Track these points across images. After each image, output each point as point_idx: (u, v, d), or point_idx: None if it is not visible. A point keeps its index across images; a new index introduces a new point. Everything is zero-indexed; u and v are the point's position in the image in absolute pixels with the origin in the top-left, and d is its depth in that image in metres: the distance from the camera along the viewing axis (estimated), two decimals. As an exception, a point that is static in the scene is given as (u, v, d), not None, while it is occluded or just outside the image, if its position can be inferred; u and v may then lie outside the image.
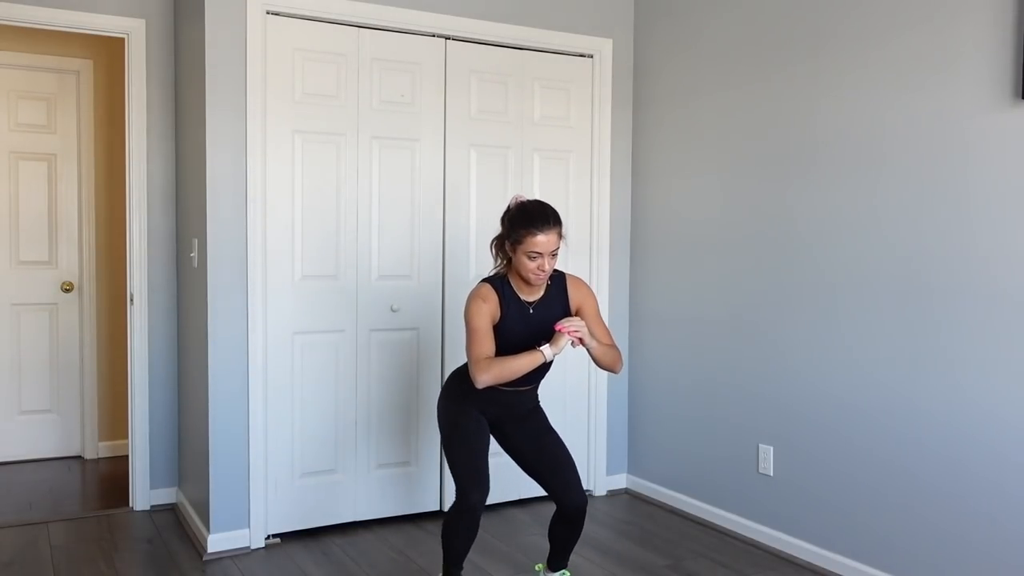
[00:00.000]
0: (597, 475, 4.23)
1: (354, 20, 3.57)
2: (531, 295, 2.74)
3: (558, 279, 2.82)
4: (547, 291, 2.77)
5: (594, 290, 4.16)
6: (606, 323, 3.04)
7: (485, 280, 2.74)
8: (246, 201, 3.40)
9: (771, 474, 3.53)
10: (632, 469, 4.31)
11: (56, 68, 4.73)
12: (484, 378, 2.58)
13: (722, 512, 3.77)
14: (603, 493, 4.24)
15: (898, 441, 3.03)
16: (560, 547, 2.90)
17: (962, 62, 2.81)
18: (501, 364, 2.59)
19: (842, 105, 3.21)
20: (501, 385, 2.69)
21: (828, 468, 3.29)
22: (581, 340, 2.63)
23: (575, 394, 4.17)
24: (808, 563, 3.35)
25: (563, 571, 3.00)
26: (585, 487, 3.73)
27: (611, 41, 4.16)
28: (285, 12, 3.44)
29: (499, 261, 2.77)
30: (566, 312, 2.79)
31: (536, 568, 3.09)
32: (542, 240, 2.58)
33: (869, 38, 3.11)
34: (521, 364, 2.60)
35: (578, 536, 2.86)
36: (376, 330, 3.71)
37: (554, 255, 2.63)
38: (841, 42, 3.21)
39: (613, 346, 2.80)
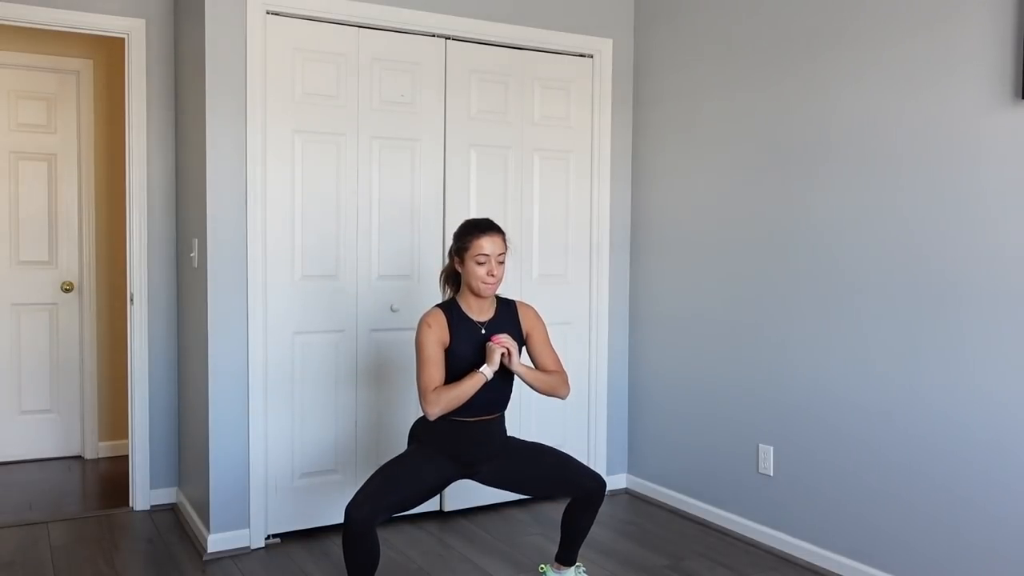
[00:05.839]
0: (597, 475, 4.23)
1: (354, 20, 3.57)
2: (482, 314, 2.80)
3: (509, 304, 2.90)
4: (498, 313, 2.84)
5: (593, 290, 4.18)
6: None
7: (436, 305, 2.81)
8: (246, 201, 3.40)
9: (771, 474, 3.53)
10: (632, 469, 4.31)
11: (56, 68, 4.73)
12: (434, 410, 2.65)
13: (722, 512, 3.77)
14: (603, 493, 4.24)
15: (898, 441, 3.03)
16: (575, 535, 2.94)
17: (962, 62, 2.81)
18: (448, 393, 2.66)
19: (842, 105, 3.21)
20: (465, 417, 2.74)
21: (828, 468, 3.29)
22: (509, 354, 2.71)
23: (575, 394, 4.17)
24: (808, 563, 3.35)
25: (578, 565, 3.03)
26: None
27: (611, 41, 4.16)
28: (285, 12, 3.44)
29: (447, 293, 2.89)
30: (519, 335, 2.86)
31: (540, 569, 3.09)
32: (487, 242, 2.71)
33: (869, 38, 3.11)
34: (465, 388, 2.67)
35: (594, 517, 2.91)
36: (376, 330, 3.71)
37: (501, 262, 2.74)
38: (841, 43, 3.21)
39: (559, 372, 2.88)
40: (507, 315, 2.86)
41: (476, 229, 2.74)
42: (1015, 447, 2.69)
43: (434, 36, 3.76)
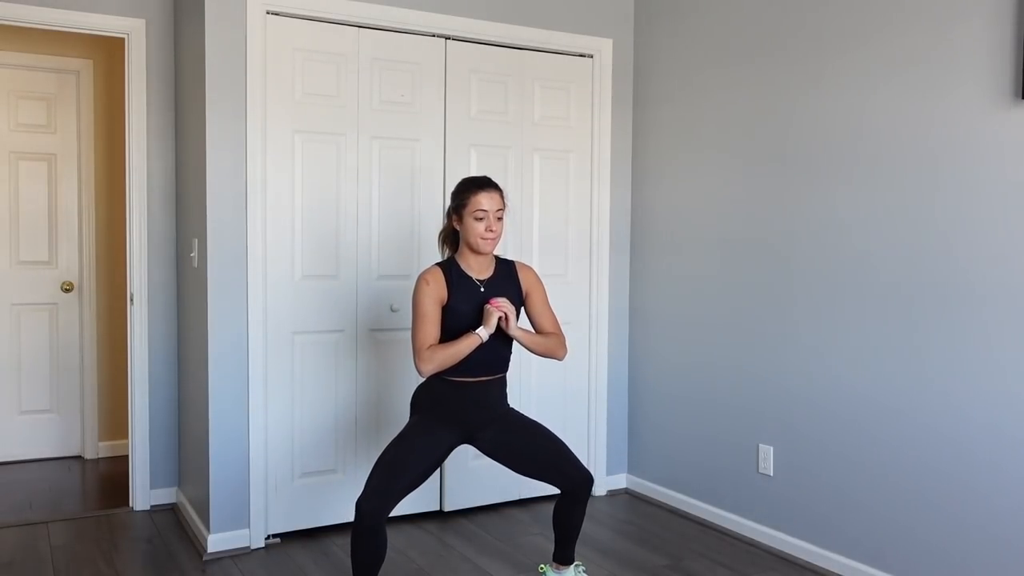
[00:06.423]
0: (597, 475, 4.22)
1: (354, 20, 3.57)
2: (481, 273, 2.81)
3: (508, 264, 2.90)
4: (497, 273, 2.84)
5: (593, 290, 4.18)
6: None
7: (435, 263, 2.81)
8: (246, 201, 3.40)
9: (771, 474, 3.53)
10: (632, 469, 4.31)
11: (56, 68, 4.73)
12: (427, 368, 2.67)
13: (722, 512, 3.77)
14: (603, 493, 4.24)
15: (898, 441, 3.03)
16: (567, 532, 2.93)
17: (962, 63, 2.81)
18: (442, 351, 2.67)
19: (842, 105, 3.21)
20: (464, 377, 2.74)
21: (828, 468, 3.29)
22: (507, 318, 2.71)
23: (575, 394, 4.17)
24: (808, 563, 3.35)
25: (577, 564, 3.02)
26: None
27: (611, 41, 4.16)
28: (285, 12, 3.44)
29: (445, 253, 2.89)
30: (518, 295, 2.86)
31: (540, 569, 3.09)
32: (484, 198, 2.72)
33: (870, 39, 3.11)
34: (460, 348, 2.68)
35: (583, 513, 2.91)
36: (376, 330, 3.71)
37: (499, 218, 2.75)
38: (842, 43, 3.21)
39: (556, 334, 2.89)
40: (506, 274, 2.86)
41: (473, 185, 2.75)
42: (1015, 448, 2.69)
43: (434, 36, 3.76)
